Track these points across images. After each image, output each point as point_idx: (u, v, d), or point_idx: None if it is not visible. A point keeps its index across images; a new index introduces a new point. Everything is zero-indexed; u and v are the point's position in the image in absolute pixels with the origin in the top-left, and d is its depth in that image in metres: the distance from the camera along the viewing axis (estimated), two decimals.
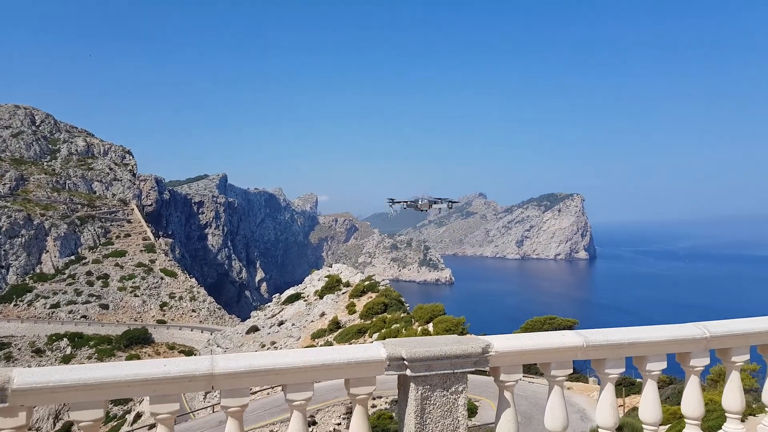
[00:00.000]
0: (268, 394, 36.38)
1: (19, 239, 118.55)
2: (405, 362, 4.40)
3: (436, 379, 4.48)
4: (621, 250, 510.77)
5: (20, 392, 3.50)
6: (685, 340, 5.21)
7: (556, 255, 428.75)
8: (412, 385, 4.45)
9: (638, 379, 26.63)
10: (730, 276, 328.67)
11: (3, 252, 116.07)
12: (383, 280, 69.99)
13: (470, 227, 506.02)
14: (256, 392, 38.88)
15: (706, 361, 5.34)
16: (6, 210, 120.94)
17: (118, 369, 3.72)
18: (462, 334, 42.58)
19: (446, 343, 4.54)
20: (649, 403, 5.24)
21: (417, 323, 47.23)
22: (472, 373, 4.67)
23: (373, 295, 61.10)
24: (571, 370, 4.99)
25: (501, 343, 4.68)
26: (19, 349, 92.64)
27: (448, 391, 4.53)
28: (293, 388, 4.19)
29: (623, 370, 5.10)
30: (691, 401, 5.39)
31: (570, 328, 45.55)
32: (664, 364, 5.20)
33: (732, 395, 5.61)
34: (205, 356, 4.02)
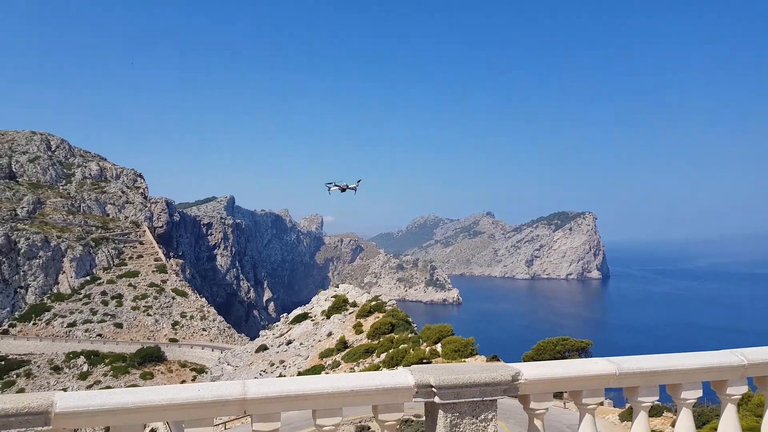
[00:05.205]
0: None
1: (37, 260, 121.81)
2: (433, 389, 4.33)
3: (465, 407, 4.40)
4: (635, 269, 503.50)
5: (62, 416, 3.62)
6: (721, 367, 5.05)
7: (567, 275, 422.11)
8: (440, 412, 4.37)
9: (659, 403, 25.80)
10: (748, 296, 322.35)
11: (22, 273, 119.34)
12: (390, 300, 69.55)
13: (477, 247, 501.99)
14: None
15: (744, 389, 5.15)
16: (24, 232, 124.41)
17: (155, 393, 3.83)
18: (471, 355, 41.92)
19: (475, 370, 4.46)
20: None
21: (425, 343, 46.65)
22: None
23: (380, 315, 60.68)
24: (602, 399, 4.85)
25: (531, 371, 4.57)
26: (38, 366, 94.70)
27: (477, 418, 4.44)
28: (322, 413, 4.20)
29: (657, 398, 4.94)
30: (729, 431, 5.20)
31: (583, 349, 44.69)
32: (699, 392, 5.04)
33: None
34: (237, 381, 4.07)
